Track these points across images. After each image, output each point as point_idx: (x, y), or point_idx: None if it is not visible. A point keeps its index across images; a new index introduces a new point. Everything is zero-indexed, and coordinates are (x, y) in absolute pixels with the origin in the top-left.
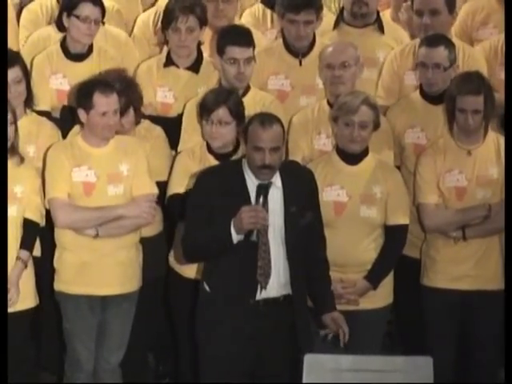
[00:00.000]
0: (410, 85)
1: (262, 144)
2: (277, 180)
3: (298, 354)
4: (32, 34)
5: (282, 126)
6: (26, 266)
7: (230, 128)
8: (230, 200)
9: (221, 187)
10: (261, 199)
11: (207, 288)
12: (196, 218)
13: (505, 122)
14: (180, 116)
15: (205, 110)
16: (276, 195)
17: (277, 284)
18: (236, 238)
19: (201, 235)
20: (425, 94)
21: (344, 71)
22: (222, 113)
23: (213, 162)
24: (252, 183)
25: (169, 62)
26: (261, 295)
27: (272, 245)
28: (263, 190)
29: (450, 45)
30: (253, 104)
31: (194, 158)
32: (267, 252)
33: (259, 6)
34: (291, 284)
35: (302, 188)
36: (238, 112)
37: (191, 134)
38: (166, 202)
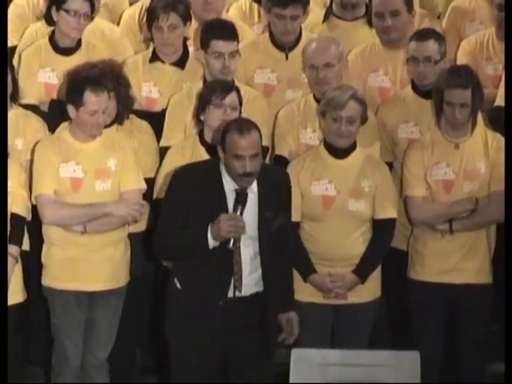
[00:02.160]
0: (373, 86)
1: (241, 152)
2: (253, 185)
3: (267, 350)
4: (22, 30)
5: (259, 132)
6: (16, 261)
7: (236, 114)
8: (206, 203)
9: (197, 188)
10: (239, 207)
11: (178, 285)
12: (171, 216)
13: (505, 121)
14: (165, 111)
15: (215, 94)
16: (251, 200)
17: (248, 284)
18: (212, 243)
19: (175, 235)
20: (417, 89)
21: (328, 72)
22: (233, 97)
23: (204, 154)
24: (229, 188)
25: (154, 57)
26: (233, 295)
27: (242, 248)
28: (242, 197)
29: (439, 38)
30: None
31: (183, 154)
32: (239, 255)
33: (246, 1)
34: (263, 281)
35: (277, 193)
36: (241, 100)
37: (174, 131)
38: (154, 202)
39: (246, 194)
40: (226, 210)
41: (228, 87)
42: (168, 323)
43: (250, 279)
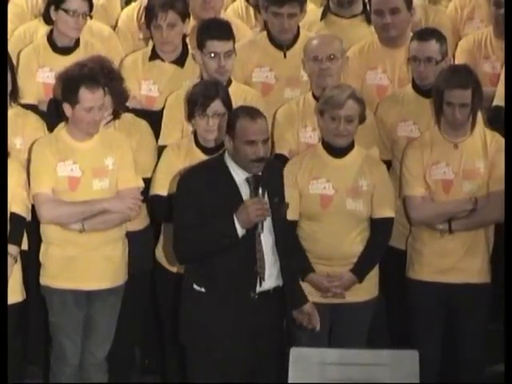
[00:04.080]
0: (371, 84)
1: (254, 137)
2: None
3: (284, 349)
4: (18, 27)
5: (265, 118)
6: (15, 261)
7: (224, 119)
8: (219, 197)
9: (207, 186)
10: (260, 190)
11: (201, 289)
12: (187, 220)
13: (505, 121)
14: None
15: (197, 105)
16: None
17: (272, 275)
18: (241, 232)
19: (198, 236)
20: (417, 88)
21: (331, 64)
22: (216, 105)
23: (200, 155)
24: (238, 177)
25: (154, 55)
26: (260, 287)
27: (263, 236)
28: (263, 181)
29: (441, 38)
30: (234, 98)
31: (179, 153)
32: (261, 244)
33: (242, 4)
34: (281, 274)
35: (277, 179)
36: (229, 102)
37: (171, 130)
38: (149, 200)
39: (261, 177)
40: (240, 200)
41: (211, 95)
42: (191, 328)
43: (274, 269)
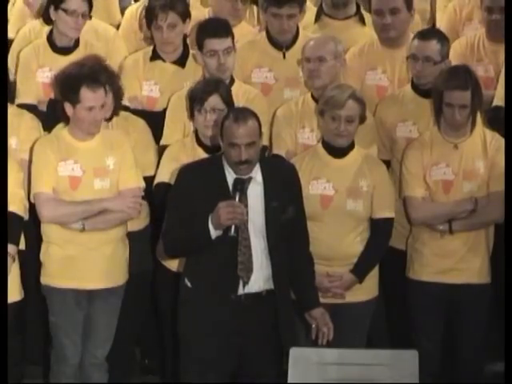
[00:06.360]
0: (371, 85)
1: (236, 140)
2: (257, 175)
3: (281, 349)
4: (18, 27)
5: (258, 121)
6: (14, 260)
7: (223, 115)
8: (210, 195)
9: (201, 183)
10: (237, 194)
11: (189, 284)
12: (177, 214)
13: (505, 121)
14: (166, 110)
15: (196, 100)
16: (256, 190)
17: (259, 279)
18: (214, 233)
19: (181, 231)
20: (416, 88)
21: (320, 65)
22: (214, 100)
23: (202, 154)
24: (231, 178)
25: (155, 55)
26: (243, 290)
27: (253, 240)
28: (239, 184)
29: (443, 39)
30: (237, 97)
31: (185, 149)
32: (248, 247)
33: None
34: (273, 279)
35: (283, 183)
36: (228, 99)
37: (173, 130)
38: (153, 189)
39: (243, 181)
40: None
41: (209, 90)
42: (181, 322)
43: (262, 274)
